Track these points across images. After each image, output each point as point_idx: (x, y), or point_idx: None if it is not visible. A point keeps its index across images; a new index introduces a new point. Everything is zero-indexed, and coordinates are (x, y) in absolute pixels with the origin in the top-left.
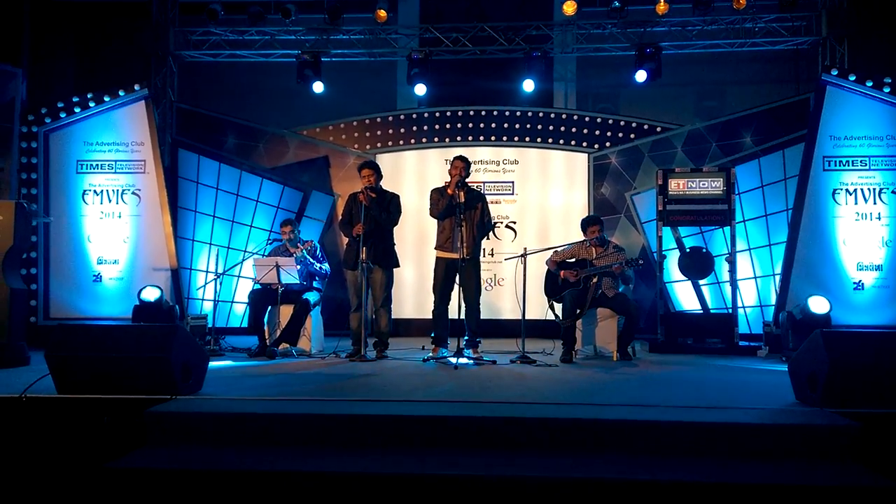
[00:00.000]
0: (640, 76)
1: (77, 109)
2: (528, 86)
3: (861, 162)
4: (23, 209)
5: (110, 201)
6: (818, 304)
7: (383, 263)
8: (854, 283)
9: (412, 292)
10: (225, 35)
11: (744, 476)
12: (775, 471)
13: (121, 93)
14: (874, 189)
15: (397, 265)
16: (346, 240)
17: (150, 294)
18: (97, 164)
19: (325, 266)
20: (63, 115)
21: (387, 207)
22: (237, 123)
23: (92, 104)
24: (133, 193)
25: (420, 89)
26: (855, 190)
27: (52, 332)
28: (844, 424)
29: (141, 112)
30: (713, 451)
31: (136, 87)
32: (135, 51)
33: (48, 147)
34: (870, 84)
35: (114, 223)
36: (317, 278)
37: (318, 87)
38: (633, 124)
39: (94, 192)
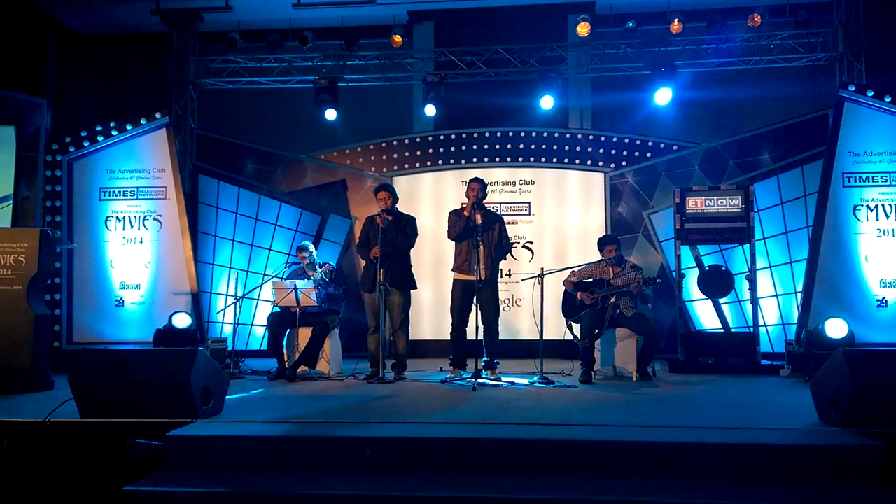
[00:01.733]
0: (661, 97)
1: (100, 138)
2: (547, 102)
3: (882, 177)
4: (47, 236)
5: (132, 227)
6: (835, 328)
7: (401, 285)
8: (877, 300)
9: (430, 314)
10: (244, 63)
11: (766, 498)
12: (798, 492)
13: (142, 121)
14: None
15: (415, 287)
16: (363, 262)
17: (182, 321)
18: (119, 191)
19: (343, 288)
20: (86, 143)
21: (403, 230)
22: (256, 149)
23: (114, 132)
24: (154, 219)
25: (430, 110)
26: (876, 206)
27: (76, 356)
28: (868, 445)
29: (162, 139)
30: (734, 473)
31: (157, 115)
32: (156, 79)
33: (72, 175)
34: (888, 99)
35: (136, 248)
36: (335, 300)
37: (330, 114)
38: (650, 143)
39: (117, 218)
